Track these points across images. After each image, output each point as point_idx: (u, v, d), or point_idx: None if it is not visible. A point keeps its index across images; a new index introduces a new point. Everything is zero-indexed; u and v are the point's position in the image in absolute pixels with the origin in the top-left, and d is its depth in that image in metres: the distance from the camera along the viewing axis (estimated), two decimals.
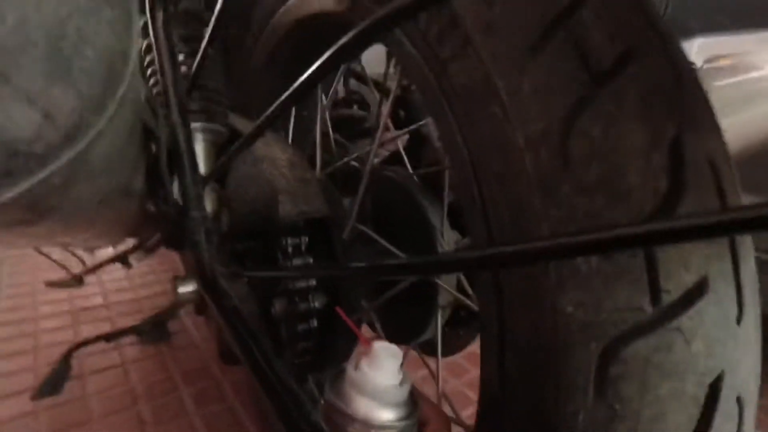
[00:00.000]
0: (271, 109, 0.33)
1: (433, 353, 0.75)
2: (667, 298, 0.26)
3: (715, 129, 0.28)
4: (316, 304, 0.51)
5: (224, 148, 0.62)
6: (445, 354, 0.73)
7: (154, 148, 0.51)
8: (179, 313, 1.40)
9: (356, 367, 0.31)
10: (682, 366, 0.26)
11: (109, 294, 1.51)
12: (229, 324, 0.35)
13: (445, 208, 0.63)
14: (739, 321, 0.27)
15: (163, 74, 0.40)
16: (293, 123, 0.87)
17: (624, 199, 0.26)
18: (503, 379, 0.33)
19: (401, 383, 0.31)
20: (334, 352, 0.57)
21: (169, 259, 1.82)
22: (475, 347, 1.41)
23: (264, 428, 0.93)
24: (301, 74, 0.28)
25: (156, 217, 0.70)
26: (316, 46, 0.70)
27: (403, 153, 0.67)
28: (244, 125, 0.64)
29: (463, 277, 0.58)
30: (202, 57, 0.44)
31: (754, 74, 1.03)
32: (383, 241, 0.58)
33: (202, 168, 0.55)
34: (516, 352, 0.31)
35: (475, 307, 0.50)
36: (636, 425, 0.26)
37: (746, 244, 0.28)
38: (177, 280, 0.54)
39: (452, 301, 0.65)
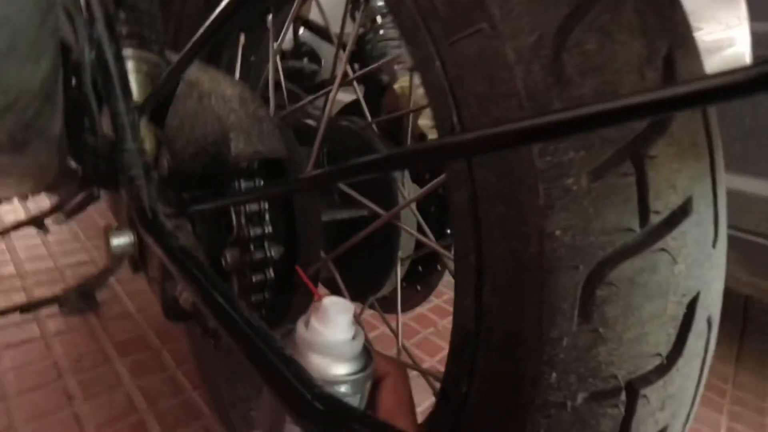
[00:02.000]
0: (210, 20, 0.29)
1: (389, 310, 0.74)
2: (655, 219, 0.25)
3: (696, 49, 0.27)
4: (272, 254, 0.47)
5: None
6: (403, 310, 0.73)
7: (72, 77, 0.43)
8: (109, 281, 1.28)
9: (307, 324, 0.30)
10: (665, 286, 0.26)
11: (22, 262, 1.35)
12: (180, 266, 0.30)
13: None
14: (714, 244, 0.27)
15: None
16: (240, 69, 0.79)
17: None
18: (480, 314, 0.32)
19: (354, 337, 0.30)
20: (289, 307, 0.54)
21: (93, 225, 1.66)
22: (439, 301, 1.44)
23: (209, 395, 0.88)
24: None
25: (73, 173, 0.62)
26: None
27: (362, 100, 0.64)
28: None
29: (423, 223, 0.56)
30: None
31: None
32: (344, 187, 0.55)
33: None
34: (495, 283, 0.30)
35: (438, 248, 0.49)
36: (618, 347, 0.26)
37: (722, 167, 0.28)
38: (110, 231, 0.48)
39: (411, 255, 0.64)
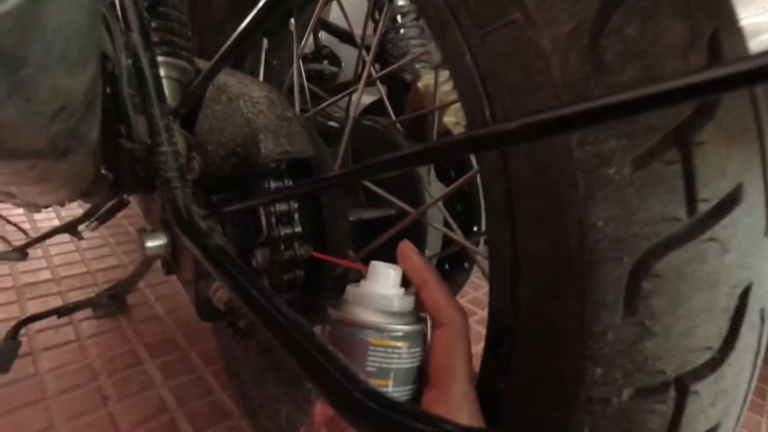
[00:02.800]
0: (242, 27, 0.29)
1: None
2: (703, 207, 0.24)
3: (741, 31, 0.26)
4: (302, 252, 0.48)
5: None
6: None
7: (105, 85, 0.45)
8: (138, 284, 1.32)
9: (355, 290, 0.31)
10: (715, 277, 0.25)
11: (58, 268, 1.40)
12: (218, 265, 0.31)
13: None
14: (766, 232, 0.26)
15: None
16: (263, 73, 0.80)
17: None
18: (516, 309, 0.31)
19: (405, 294, 0.32)
20: (320, 304, 0.54)
21: (122, 231, 1.70)
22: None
23: (238, 395, 0.90)
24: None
25: (105, 180, 0.63)
26: None
27: (385, 99, 0.64)
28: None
29: (451, 221, 0.56)
30: None
31: None
32: (372, 186, 0.55)
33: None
34: (532, 277, 0.30)
35: (468, 245, 0.49)
36: (666, 341, 0.25)
37: None
38: (144, 233, 0.49)
39: (438, 252, 0.63)
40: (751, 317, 0.26)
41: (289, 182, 0.48)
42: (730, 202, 0.25)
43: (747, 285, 0.26)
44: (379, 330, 0.28)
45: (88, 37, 0.24)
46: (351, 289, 0.31)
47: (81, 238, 1.23)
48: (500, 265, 0.32)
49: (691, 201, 0.24)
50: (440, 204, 0.57)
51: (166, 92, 0.50)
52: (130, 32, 0.36)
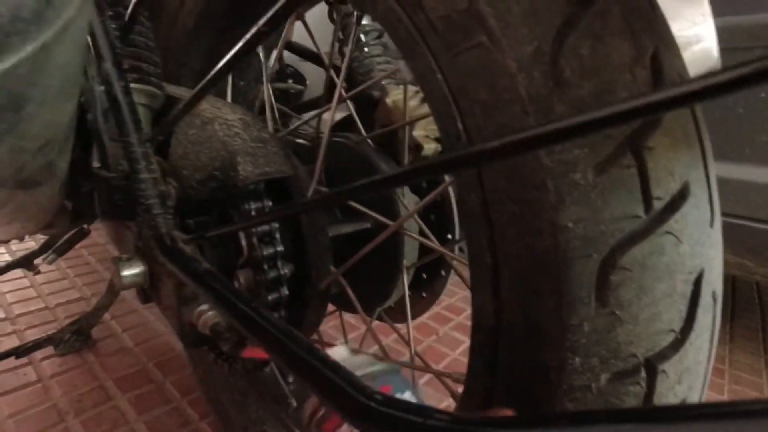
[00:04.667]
0: (223, 62, 0.30)
1: (396, 320, 0.75)
2: (658, 205, 0.27)
3: (677, 47, 0.30)
4: (286, 271, 0.48)
5: (162, 115, 0.55)
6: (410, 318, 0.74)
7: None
8: (104, 317, 1.26)
9: None
10: (673, 266, 0.28)
11: (12, 306, 1.31)
12: (210, 289, 0.31)
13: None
14: (711, 223, 0.30)
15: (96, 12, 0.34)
16: (230, 94, 0.81)
17: None
18: (499, 310, 0.33)
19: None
20: (303, 322, 0.55)
21: (82, 262, 1.63)
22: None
23: (220, 422, 0.87)
24: (242, 27, 0.27)
25: (66, 211, 0.61)
26: None
27: (355, 116, 0.66)
28: (180, 92, 0.58)
29: (427, 230, 0.58)
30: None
31: None
32: (350, 202, 0.56)
33: None
34: (512, 279, 0.32)
35: (447, 252, 0.51)
36: (635, 327, 0.28)
37: (710, 153, 0.30)
38: (119, 262, 0.48)
39: (415, 262, 0.65)
40: (705, 300, 0.29)
41: (268, 202, 0.49)
42: (679, 198, 0.28)
43: (700, 271, 0.29)
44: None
45: (78, 69, 0.24)
46: None
47: (38, 272, 1.17)
48: (481, 269, 0.34)
49: (647, 200, 0.27)
50: (416, 215, 0.59)
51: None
52: (103, 62, 0.36)
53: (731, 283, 1.87)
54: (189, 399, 1.02)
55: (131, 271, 0.48)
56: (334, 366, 0.22)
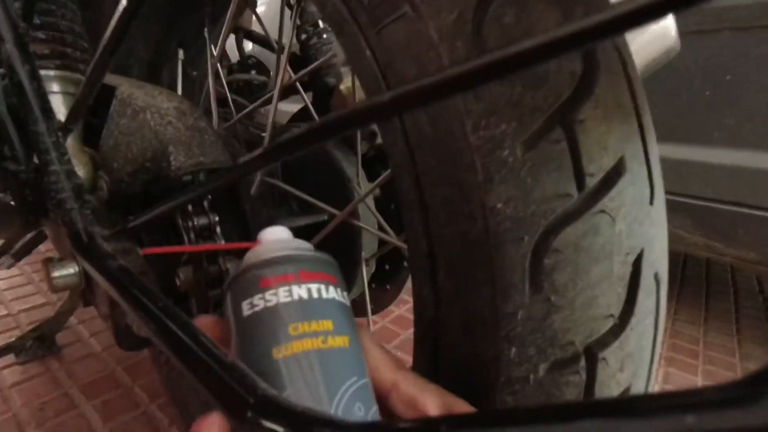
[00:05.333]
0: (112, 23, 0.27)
1: (361, 314, 0.73)
2: (591, 182, 0.25)
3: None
4: (228, 266, 0.46)
5: (98, 104, 0.52)
6: (376, 311, 0.72)
7: None
8: (69, 322, 1.21)
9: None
10: (609, 247, 0.26)
11: None
12: (120, 288, 0.29)
13: (359, 158, 0.60)
14: (651, 201, 0.28)
15: None
16: (182, 85, 0.77)
17: (542, 84, 0.25)
18: (437, 300, 0.31)
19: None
20: None
21: None
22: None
23: (185, 425, 0.84)
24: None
25: (9, 213, 0.57)
26: None
27: (309, 105, 0.63)
28: (116, 80, 0.55)
29: (381, 220, 0.55)
30: None
31: None
32: (296, 192, 0.54)
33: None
34: (448, 266, 0.30)
35: (397, 242, 0.49)
36: (572, 313, 0.26)
37: (651, 129, 0.29)
38: (50, 263, 0.45)
39: (375, 252, 0.63)
40: (646, 282, 0.28)
41: (207, 197, 0.46)
42: (614, 174, 0.26)
43: (639, 252, 0.27)
44: (281, 262, 0.25)
45: None
46: (245, 258, 0.27)
47: None
48: (418, 257, 0.32)
49: (580, 176, 0.25)
50: (372, 205, 0.57)
51: (63, 108, 0.47)
52: (3, 43, 0.33)
53: (705, 265, 1.89)
54: (158, 403, 0.99)
55: (63, 271, 0.45)
56: (229, 365, 0.20)
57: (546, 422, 0.16)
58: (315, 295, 0.24)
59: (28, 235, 1.01)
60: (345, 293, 0.27)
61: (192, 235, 0.44)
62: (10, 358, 1.08)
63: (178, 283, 0.46)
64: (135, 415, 0.96)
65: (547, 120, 0.25)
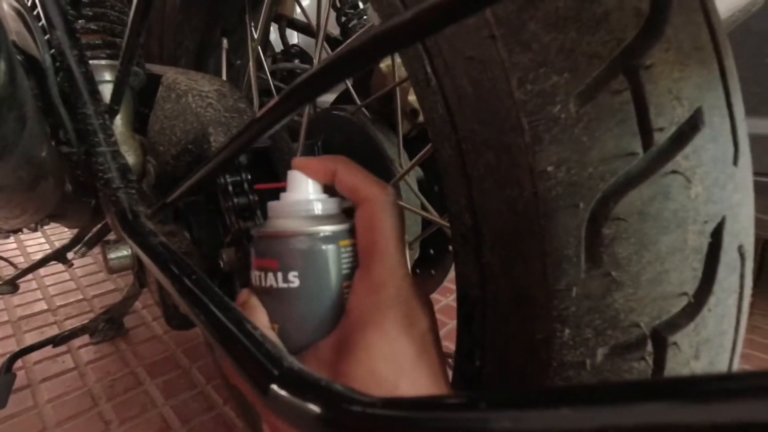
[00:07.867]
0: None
1: None
2: (660, 138, 0.22)
3: None
4: None
5: (144, 94, 0.54)
6: None
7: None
8: (135, 306, 1.30)
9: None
10: (682, 214, 0.22)
11: (53, 298, 1.38)
12: (159, 262, 0.29)
13: (400, 137, 0.58)
14: (735, 161, 0.24)
15: None
16: (226, 74, 0.79)
17: (600, 26, 0.22)
18: (483, 277, 0.29)
19: (328, 198, 0.30)
20: None
21: None
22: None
23: (237, 407, 0.87)
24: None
25: (79, 203, 0.61)
26: None
27: (349, 86, 0.62)
28: (160, 70, 0.56)
29: (425, 200, 0.53)
30: None
31: None
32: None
33: (119, 116, 0.47)
34: (493, 240, 0.27)
35: (442, 222, 0.46)
36: (636, 291, 0.23)
37: (734, 75, 0.24)
38: (107, 246, 0.47)
39: (419, 236, 0.61)
40: (728, 255, 0.24)
41: (247, 176, 0.46)
42: (689, 129, 0.22)
43: (720, 220, 0.23)
44: (308, 235, 0.26)
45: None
46: (271, 204, 0.29)
47: (71, 266, 1.21)
48: (462, 230, 0.30)
49: (646, 132, 0.22)
50: (414, 185, 0.55)
51: (111, 95, 0.49)
52: (54, 30, 0.34)
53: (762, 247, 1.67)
54: (213, 384, 1.04)
55: (117, 254, 0.47)
56: (257, 337, 0.19)
57: (600, 403, 0.13)
58: None
59: (98, 226, 1.08)
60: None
61: (233, 216, 0.44)
62: (86, 338, 1.18)
63: (221, 264, 0.47)
64: (193, 395, 1.01)
65: (607, 68, 0.22)
